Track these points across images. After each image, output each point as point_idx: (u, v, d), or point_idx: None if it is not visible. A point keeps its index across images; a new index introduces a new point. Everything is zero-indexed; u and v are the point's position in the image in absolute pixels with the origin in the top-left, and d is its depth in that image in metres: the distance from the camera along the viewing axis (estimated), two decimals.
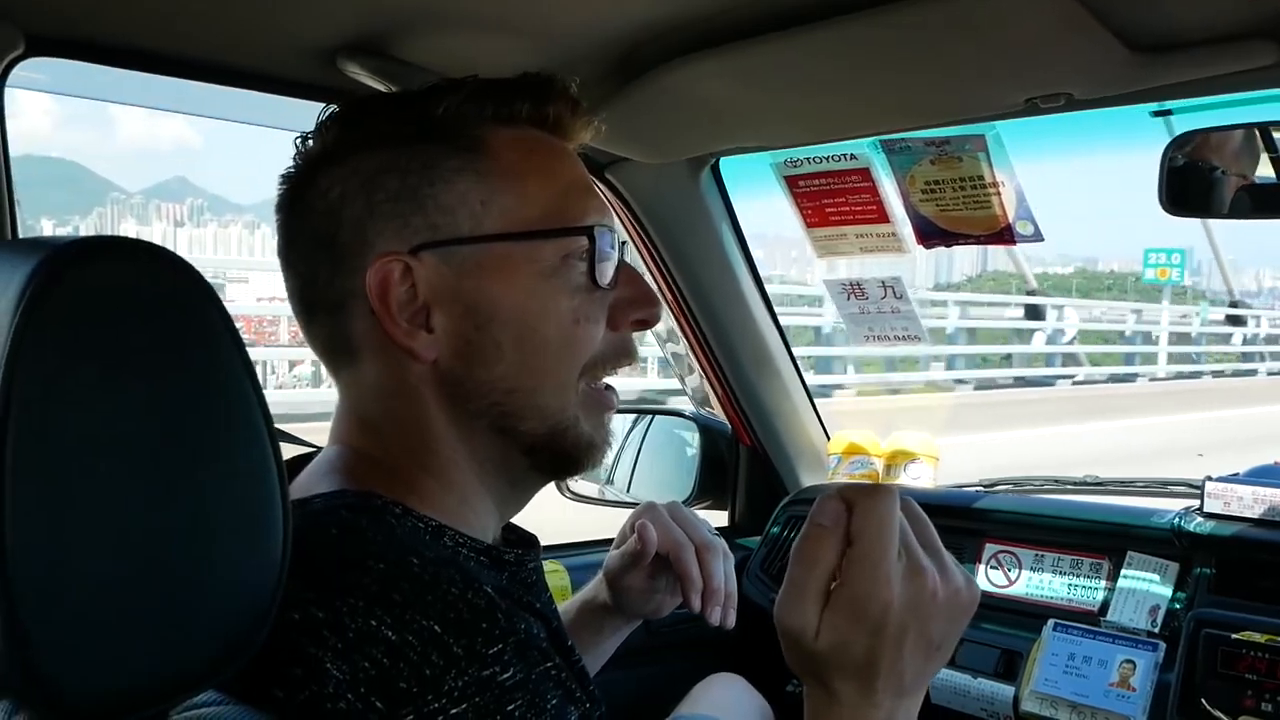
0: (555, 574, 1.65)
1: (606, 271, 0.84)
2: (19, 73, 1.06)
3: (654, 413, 2.10)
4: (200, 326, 0.61)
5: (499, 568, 0.82)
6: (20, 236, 1.07)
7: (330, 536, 0.74)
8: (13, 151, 1.08)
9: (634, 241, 1.72)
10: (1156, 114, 1.24)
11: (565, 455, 0.86)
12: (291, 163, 0.85)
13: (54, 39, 1.04)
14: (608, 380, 0.89)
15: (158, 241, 0.67)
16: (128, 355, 0.58)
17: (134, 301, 0.59)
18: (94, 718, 0.56)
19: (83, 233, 0.66)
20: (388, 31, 1.07)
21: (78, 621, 0.55)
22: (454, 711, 0.64)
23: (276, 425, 0.65)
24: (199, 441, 0.60)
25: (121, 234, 0.66)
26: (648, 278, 1.73)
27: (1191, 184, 1.16)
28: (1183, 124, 1.23)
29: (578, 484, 2.02)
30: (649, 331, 1.89)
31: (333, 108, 0.86)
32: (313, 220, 0.83)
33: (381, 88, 1.12)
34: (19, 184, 1.08)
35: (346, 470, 0.83)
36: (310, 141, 0.85)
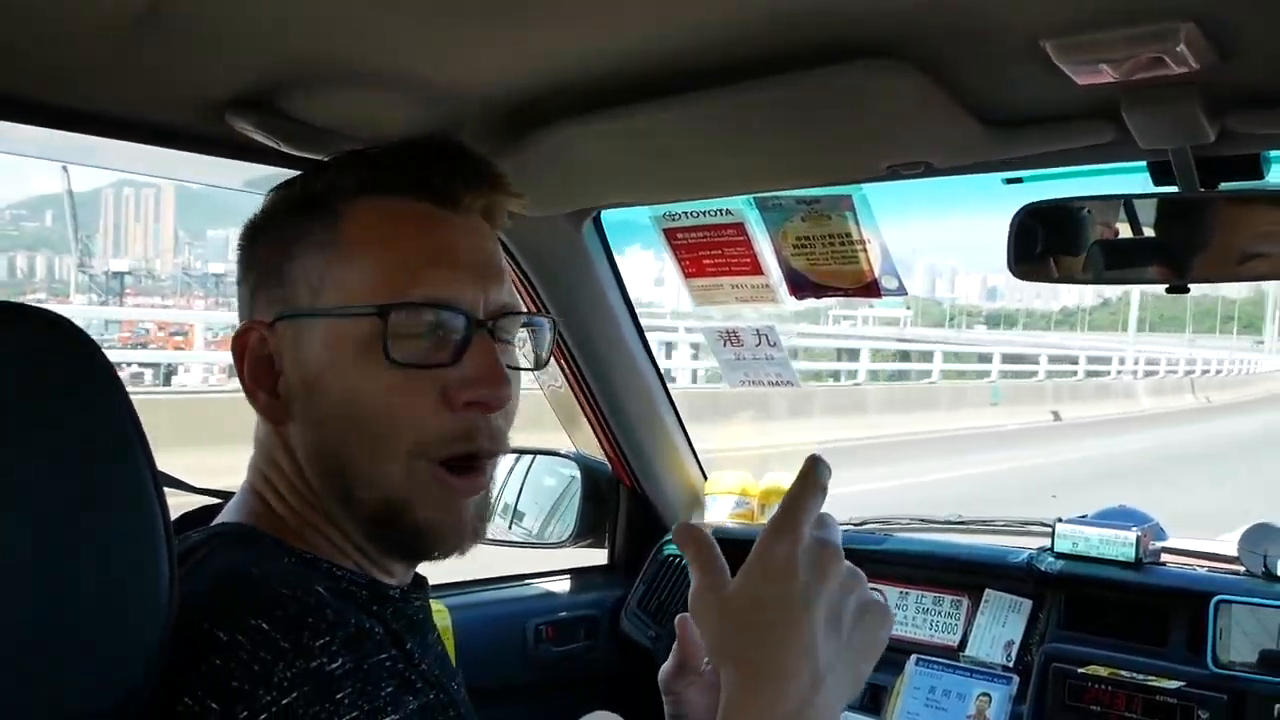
0: (439, 614, 1.66)
1: (409, 348, 0.81)
2: None
3: (535, 453, 2.12)
4: (87, 388, 0.65)
5: (381, 602, 0.85)
6: None
7: (189, 563, 0.78)
8: None
9: (519, 291, 1.74)
10: (1009, 182, 1.32)
11: (405, 537, 0.85)
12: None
13: None
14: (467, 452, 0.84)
15: None
16: (15, 415, 0.62)
17: (24, 365, 0.63)
18: None
19: None
20: (275, 88, 1.07)
21: None
22: (284, 702, 0.67)
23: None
24: (83, 494, 0.64)
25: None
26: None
27: (1037, 250, 1.24)
28: (1034, 193, 1.32)
29: None
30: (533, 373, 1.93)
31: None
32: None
33: (269, 143, 1.13)
34: None
35: (244, 511, 0.87)
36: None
